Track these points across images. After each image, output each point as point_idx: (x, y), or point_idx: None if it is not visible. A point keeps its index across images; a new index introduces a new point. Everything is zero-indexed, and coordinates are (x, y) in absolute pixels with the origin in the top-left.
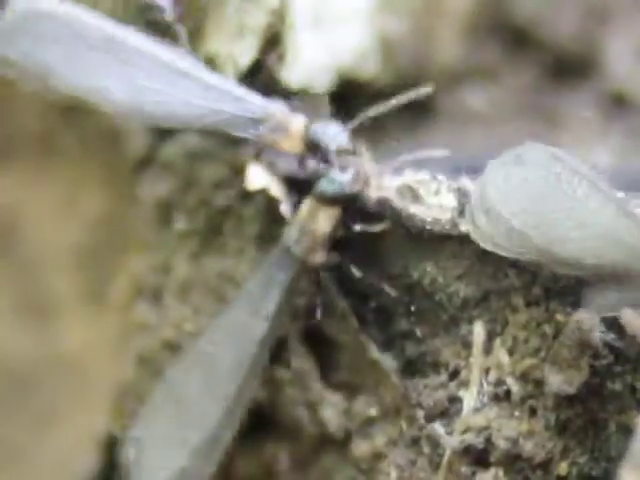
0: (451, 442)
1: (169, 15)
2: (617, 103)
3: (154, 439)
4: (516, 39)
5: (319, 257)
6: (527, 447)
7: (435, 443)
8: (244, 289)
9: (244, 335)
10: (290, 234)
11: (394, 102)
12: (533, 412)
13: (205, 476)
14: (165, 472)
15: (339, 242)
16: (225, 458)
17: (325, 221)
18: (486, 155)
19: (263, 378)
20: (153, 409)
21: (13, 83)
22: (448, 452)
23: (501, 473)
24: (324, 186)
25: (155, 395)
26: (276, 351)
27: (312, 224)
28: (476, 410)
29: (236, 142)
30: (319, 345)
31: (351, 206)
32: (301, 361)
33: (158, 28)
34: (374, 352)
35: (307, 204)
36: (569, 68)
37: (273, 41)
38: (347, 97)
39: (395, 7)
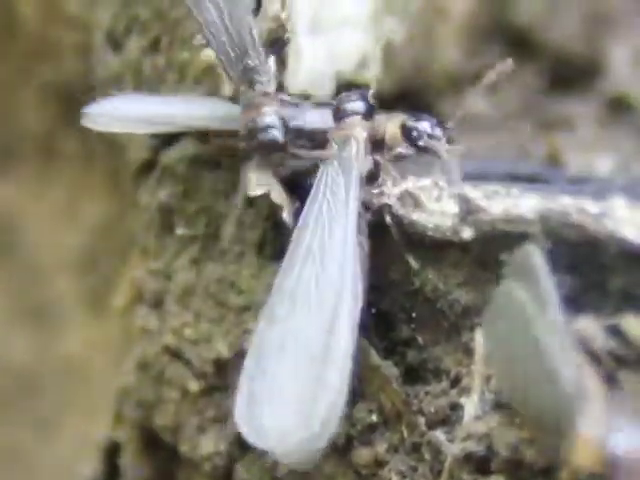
0: (452, 449)
1: None
2: (620, 107)
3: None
4: (518, 42)
5: (364, 164)
6: (528, 454)
7: (436, 450)
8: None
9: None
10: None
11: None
12: None
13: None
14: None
15: None
16: (225, 464)
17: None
18: (488, 161)
19: None
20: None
21: (13, 86)
22: (449, 459)
23: None
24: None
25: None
26: None
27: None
28: (477, 417)
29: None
30: None
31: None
32: None
33: None
34: (375, 359)
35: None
36: (572, 72)
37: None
38: None
39: (395, 11)
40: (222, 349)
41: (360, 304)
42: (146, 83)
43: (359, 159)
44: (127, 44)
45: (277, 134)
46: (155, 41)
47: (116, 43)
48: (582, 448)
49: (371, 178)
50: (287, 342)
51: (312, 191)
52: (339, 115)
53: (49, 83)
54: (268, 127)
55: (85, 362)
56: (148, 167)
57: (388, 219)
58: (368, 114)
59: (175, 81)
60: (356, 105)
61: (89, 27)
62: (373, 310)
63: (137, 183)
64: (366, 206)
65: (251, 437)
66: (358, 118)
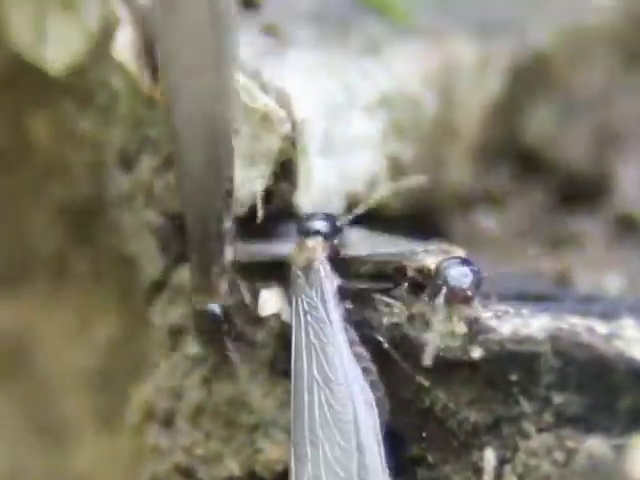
0: None
1: None
2: (628, 226)
3: None
4: (527, 161)
5: (333, 282)
6: None
7: None
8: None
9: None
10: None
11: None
12: None
13: None
14: None
15: None
16: None
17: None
18: (498, 279)
19: None
20: None
21: (25, 206)
22: None
23: None
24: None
25: None
26: None
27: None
28: None
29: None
30: None
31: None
32: None
33: None
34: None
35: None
36: (580, 191)
37: (285, 166)
38: (358, 221)
39: (404, 132)
40: (233, 468)
41: (383, 410)
42: (157, 202)
43: (328, 278)
44: (138, 163)
45: (219, 324)
46: (166, 161)
47: (128, 162)
48: None
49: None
50: (322, 475)
51: (294, 320)
52: (301, 232)
53: (60, 202)
54: (212, 315)
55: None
56: (159, 287)
57: (386, 345)
58: (330, 235)
59: None
60: (318, 224)
61: (100, 146)
62: (384, 429)
63: (148, 302)
64: (350, 317)
65: None
66: (319, 239)
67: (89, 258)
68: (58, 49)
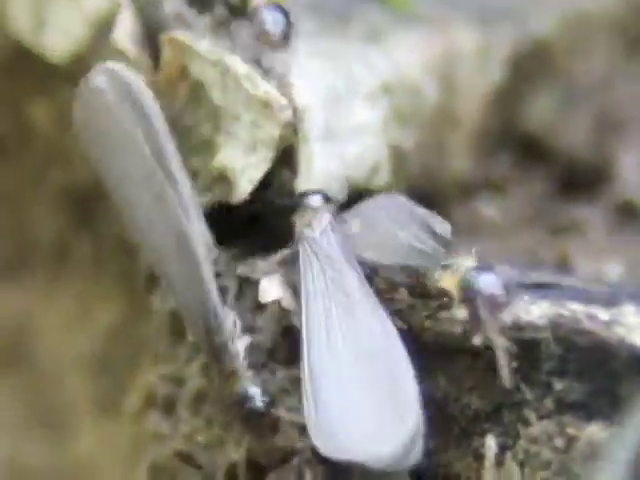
0: None
1: None
2: (629, 213)
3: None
4: (528, 148)
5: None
6: None
7: None
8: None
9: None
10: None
11: None
12: None
13: None
14: None
15: None
16: None
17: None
18: (499, 267)
19: None
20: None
21: (26, 193)
22: None
23: None
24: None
25: None
26: None
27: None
28: None
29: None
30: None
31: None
32: None
33: None
34: None
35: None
36: (580, 178)
37: (286, 153)
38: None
39: (406, 120)
40: (234, 454)
41: None
42: None
43: (335, 230)
44: None
45: (258, 403)
46: None
47: None
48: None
49: None
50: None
51: (301, 259)
52: (301, 208)
53: (61, 189)
54: (247, 398)
55: (96, 467)
56: None
57: (400, 324)
58: (326, 200)
59: None
60: (313, 198)
61: None
62: None
63: (149, 289)
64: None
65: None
66: (318, 203)
67: (90, 245)
68: (58, 36)
